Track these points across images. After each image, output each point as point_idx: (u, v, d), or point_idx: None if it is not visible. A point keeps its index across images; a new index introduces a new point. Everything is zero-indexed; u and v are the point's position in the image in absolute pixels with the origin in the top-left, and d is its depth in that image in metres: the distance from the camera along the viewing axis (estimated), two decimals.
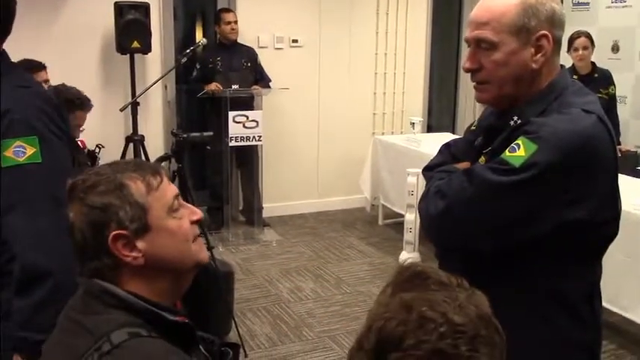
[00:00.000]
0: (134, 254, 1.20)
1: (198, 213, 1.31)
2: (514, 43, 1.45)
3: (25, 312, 1.56)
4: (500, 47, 1.46)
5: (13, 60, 1.85)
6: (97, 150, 4.14)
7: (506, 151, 1.42)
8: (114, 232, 1.19)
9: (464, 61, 1.55)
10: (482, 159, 1.55)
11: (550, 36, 1.46)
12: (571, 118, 1.42)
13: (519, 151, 1.39)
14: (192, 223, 1.29)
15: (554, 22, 1.47)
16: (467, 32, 1.53)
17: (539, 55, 1.47)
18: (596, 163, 1.42)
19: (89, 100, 3.41)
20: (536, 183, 1.38)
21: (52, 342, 1.22)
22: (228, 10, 5.66)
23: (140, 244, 1.21)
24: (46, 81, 3.90)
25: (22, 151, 1.59)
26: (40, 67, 4.07)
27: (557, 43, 1.50)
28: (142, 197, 1.22)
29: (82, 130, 3.51)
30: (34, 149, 1.60)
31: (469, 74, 1.55)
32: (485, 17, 1.47)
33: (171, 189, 1.27)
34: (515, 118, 1.50)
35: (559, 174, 1.38)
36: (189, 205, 1.32)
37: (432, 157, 1.76)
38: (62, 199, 1.24)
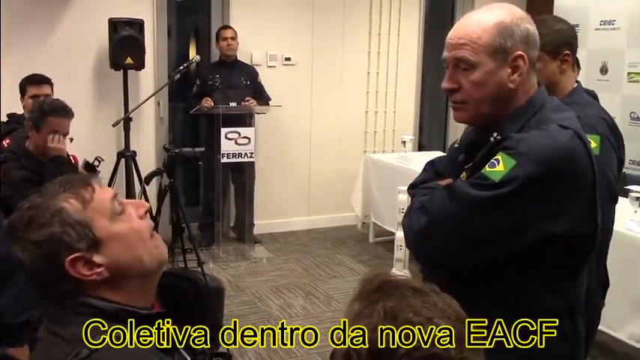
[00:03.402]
0: (96, 270, 1.19)
1: (143, 205, 1.29)
2: (491, 64, 1.49)
3: None
4: (479, 67, 1.50)
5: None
6: (97, 163, 4.14)
7: (486, 166, 1.45)
8: (69, 258, 1.17)
9: (443, 81, 1.57)
10: (463, 174, 1.58)
11: (525, 56, 1.50)
12: (548, 133, 1.45)
13: (499, 167, 1.42)
14: (142, 217, 1.27)
15: (529, 42, 1.52)
16: (444, 53, 1.56)
17: (515, 74, 1.51)
18: (574, 176, 1.45)
19: (65, 107, 3.36)
20: (516, 197, 1.41)
21: (34, 355, 1.22)
22: (226, 27, 5.71)
23: (98, 259, 1.19)
24: (47, 95, 3.93)
25: None
26: (43, 80, 4.13)
27: (533, 62, 1.54)
28: (80, 215, 1.20)
29: (70, 140, 3.47)
30: None
31: None
32: (463, 39, 1.51)
33: (105, 193, 1.25)
34: (495, 134, 1.53)
35: (538, 188, 1.41)
36: (132, 201, 1.30)
37: None
38: None
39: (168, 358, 1.21)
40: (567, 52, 2.21)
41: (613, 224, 2.27)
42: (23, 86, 4.11)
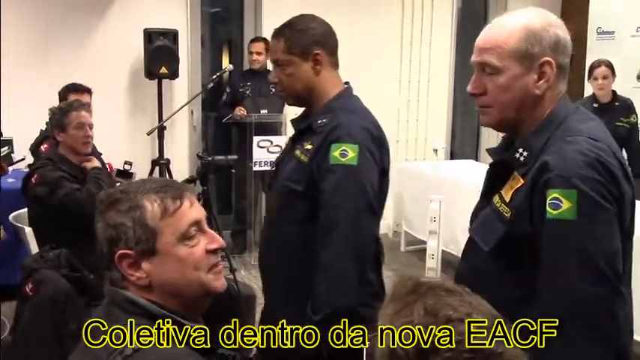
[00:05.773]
0: (138, 274, 1.24)
1: (217, 241, 1.30)
2: (517, 69, 1.47)
3: None
4: (504, 72, 1.48)
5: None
6: (128, 167, 4.19)
7: (549, 209, 1.38)
8: (120, 252, 1.23)
9: (469, 85, 1.57)
10: (496, 198, 1.53)
11: (553, 62, 1.47)
12: (580, 149, 1.40)
13: (565, 205, 1.37)
14: (209, 251, 1.28)
15: (558, 48, 1.49)
16: (472, 57, 1.56)
17: (541, 81, 1.48)
18: (621, 191, 1.41)
19: (82, 103, 3.50)
20: (600, 220, 1.37)
21: (77, 352, 1.25)
22: (255, 40, 5.69)
23: (145, 266, 1.24)
24: (87, 104, 4.02)
25: None
26: (84, 89, 4.26)
27: (562, 69, 1.51)
28: (154, 221, 1.23)
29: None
30: None
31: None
32: (489, 43, 1.50)
33: (191, 214, 1.27)
34: (521, 150, 1.50)
35: (604, 208, 1.37)
36: (211, 233, 1.31)
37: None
38: None
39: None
40: (317, 51, 2.08)
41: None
42: (64, 94, 4.18)
